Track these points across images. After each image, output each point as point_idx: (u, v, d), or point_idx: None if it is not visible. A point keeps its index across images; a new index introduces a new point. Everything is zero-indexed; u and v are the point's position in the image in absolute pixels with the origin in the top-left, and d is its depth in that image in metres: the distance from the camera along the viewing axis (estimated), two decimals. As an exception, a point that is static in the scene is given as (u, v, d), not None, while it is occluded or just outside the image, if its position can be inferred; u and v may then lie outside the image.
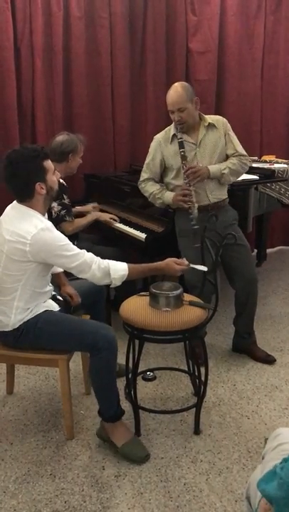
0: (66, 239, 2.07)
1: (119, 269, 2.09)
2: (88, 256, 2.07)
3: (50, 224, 2.06)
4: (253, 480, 1.16)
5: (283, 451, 1.21)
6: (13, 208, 2.11)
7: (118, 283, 2.11)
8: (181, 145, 2.65)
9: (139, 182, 2.93)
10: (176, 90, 2.66)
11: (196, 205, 2.64)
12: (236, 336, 2.99)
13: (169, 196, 2.75)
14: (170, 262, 2.18)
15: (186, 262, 2.19)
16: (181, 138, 2.65)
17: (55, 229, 2.06)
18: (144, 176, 2.89)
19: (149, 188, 2.84)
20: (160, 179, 2.89)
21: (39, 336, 2.09)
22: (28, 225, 2.00)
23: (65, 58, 3.74)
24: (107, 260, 2.09)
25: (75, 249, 2.06)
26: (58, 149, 2.96)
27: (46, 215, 2.23)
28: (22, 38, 3.56)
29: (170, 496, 1.89)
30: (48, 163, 2.08)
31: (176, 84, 2.72)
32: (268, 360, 2.87)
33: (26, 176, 2.02)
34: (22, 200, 2.08)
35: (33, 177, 2.03)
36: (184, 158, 2.65)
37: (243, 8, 4.35)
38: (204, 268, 2.23)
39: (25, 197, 2.07)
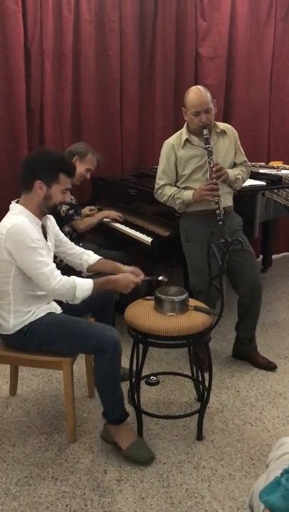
0: (40, 243, 2.02)
1: (84, 290, 2.05)
2: (54, 271, 2.02)
3: (29, 225, 2.00)
4: (257, 489, 1.15)
5: (288, 461, 1.20)
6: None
7: (78, 302, 2.08)
8: (206, 141, 2.60)
9: (155, 190, 2.82)
10: (200, 91, 2.61)
11: (222, 199, 2.62)
12: (237, 341, 2.98)
13: (188, 194, 2.68)
14: (127, 273, 2.21)
15: (142, 275, 2.22)
16: (207, 134, 2.60)
17: (33, 230, 2.01)
18: (160, 182, 2.79)
19: (167, 191, 2.75)
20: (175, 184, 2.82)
21: (44, 338, 2.09)
22: (7, 220, 2.02)
23: (75, 61, 3.75)
24: (73, 278, 2.05)
25: (45, 258, 2.01)
26: (67, 149, 3.15)
27: (52, 218, 2.24)
28: (32, 40, 3.57)
29: (172, 501, 1.89)
30: (64, 178, 2.08)
31: (194, 87, 2.67)
32: (270, 366, 2.86)
33: (35, 167, 2.05)
34: (22, 190, 2.08)
35: (40, 172, 2.04)
36: (210, 153, 2.60)
37: (253, 15, 4.36)
38: (165, 279, 2.28)
39: (24, 187, 2.07)
